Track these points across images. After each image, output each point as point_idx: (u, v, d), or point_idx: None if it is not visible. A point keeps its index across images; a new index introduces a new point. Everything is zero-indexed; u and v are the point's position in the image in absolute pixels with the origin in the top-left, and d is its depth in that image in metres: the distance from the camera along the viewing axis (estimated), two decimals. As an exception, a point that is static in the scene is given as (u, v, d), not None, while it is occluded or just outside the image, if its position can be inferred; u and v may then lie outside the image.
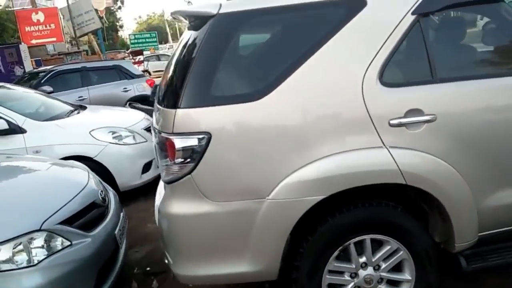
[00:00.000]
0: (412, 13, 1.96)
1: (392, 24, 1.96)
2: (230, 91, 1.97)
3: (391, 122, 1.93)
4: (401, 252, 2.08)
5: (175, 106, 1.94)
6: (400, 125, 1.94)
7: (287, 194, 1.92)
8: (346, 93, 1.94)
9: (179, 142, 1.91)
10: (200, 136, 1.89)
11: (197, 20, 2.11)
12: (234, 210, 1.95)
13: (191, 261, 2.05)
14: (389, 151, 1.93)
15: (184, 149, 1.91)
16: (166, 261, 2.17)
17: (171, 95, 2.05)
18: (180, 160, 1.93)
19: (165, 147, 1.98)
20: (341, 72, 1.95)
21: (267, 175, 1.93)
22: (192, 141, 1.90)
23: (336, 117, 1.94)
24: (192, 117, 1.92)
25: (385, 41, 1.94)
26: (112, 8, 34.06)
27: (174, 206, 2.01)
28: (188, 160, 1.92)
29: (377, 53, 1.94)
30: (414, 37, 1.98)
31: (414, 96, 1.96)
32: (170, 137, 1.94)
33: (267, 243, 1.98)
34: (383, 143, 1.93)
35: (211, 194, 1.95)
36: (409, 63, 2.11)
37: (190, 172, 1.93)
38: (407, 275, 2.12)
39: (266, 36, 2.13)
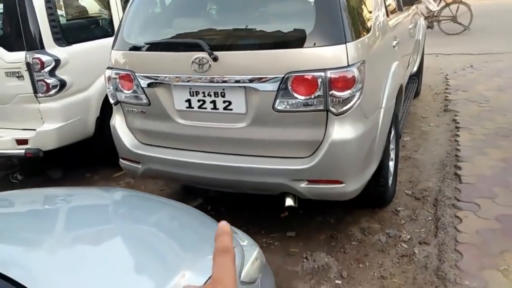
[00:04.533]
0: None
1: None
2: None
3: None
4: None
5: (333, 42, 2.15)
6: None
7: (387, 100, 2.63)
8: None
9: (357, 72, 2.17)
10: (363, 63, 2.24)
11: None
12: (372, 119, 2.44)
13: (359, 176, 2.36)
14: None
15: (359, 77, 2.19)
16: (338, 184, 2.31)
17: (319, 34, 2.16)
18: (356, 88, 2.19)
19: (335, 83, 2.15)
20: None
21: (382, 88, 2.56)
22: (362, 69, 2.22)
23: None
24: (356, 49, 2.21)
25: None
26: None
27: (350, 132, 2.24)
28: (360, 86, 2.22)
29: None
30: None
31: None
32: (346, 69, 2.15)
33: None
34: None
35: (367, 113, 2.35)
36: None
37: (359, 98, 2.24)
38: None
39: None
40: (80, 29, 3.89)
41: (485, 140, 4.06)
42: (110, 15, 4.03)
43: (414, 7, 4.55)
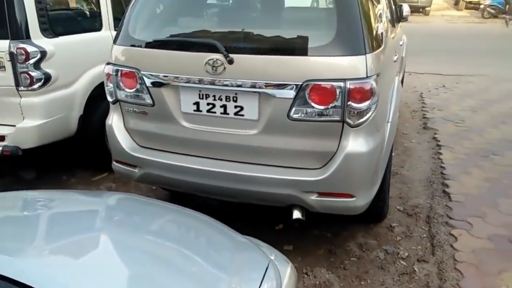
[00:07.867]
0: None
1: None
2: None
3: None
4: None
5: (353, 52, 2.11)
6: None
7: None
8: None
9: (374, 84, 2.14)
10: (378, 76, 2.21)
11: None
12: (381, 133, 2.41)
13: (369, 190, 2.32)
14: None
15: (376, 89, 2.16)
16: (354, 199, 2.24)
17: (340, 43, 2.11)
18: (373, 100, 2.16)
19: (354, 94, 2.11)
20: None
21: (389, 102, 2.55)
22: (378, 81, 2.19)
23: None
24: (373, 61, 2.17)
25: None
26: None
27: (364, 145, 2.19)
28: (376, 99, 2.19)
29: None
30: None
31: None
32: (365, 81, 2.11)
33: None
34: None
35: (379, 126, 2.32)
36: None
37: (374, 111, 2.20)
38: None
39: None
40: (68, 20, 3.67)
41: (467, 159, 4.16)
42: (99, 9, 3.82)
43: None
